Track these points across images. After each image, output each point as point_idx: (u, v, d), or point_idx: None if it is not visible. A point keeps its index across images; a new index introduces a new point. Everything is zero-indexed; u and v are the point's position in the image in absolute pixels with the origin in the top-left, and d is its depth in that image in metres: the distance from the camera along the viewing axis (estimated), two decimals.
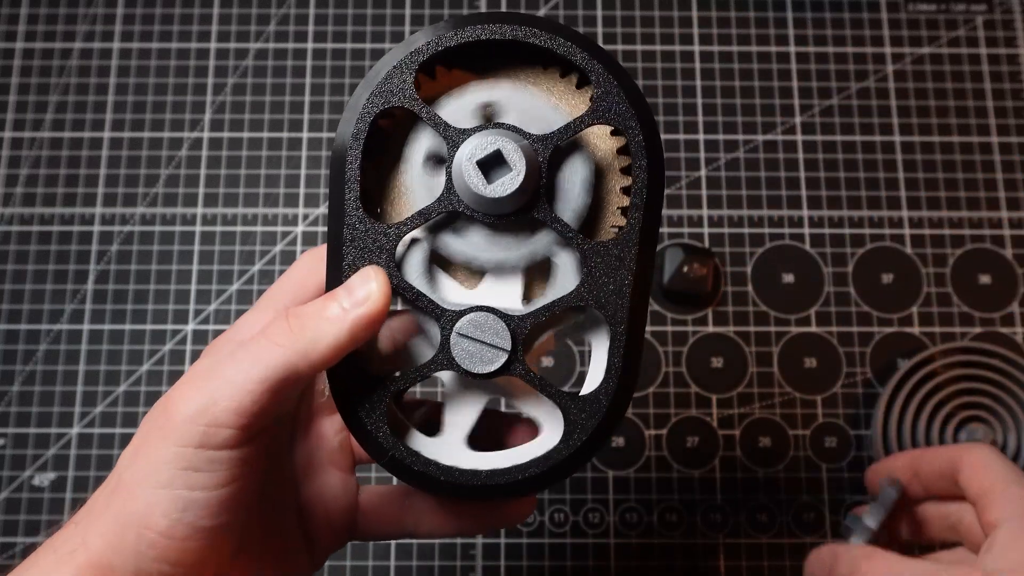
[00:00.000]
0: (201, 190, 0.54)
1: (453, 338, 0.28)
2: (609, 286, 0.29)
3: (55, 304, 0.52)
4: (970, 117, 0.55)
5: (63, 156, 0.54)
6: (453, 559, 0.48)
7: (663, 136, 0.55)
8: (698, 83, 0.56)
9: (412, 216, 0.29)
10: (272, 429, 0.29)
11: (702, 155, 0.54)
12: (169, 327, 0.51)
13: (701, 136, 0.55)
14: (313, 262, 0.32)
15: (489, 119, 0.29)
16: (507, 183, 0.27)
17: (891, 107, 0.55)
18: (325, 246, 0.30)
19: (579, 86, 0.30)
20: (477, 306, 0.29)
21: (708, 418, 0.50)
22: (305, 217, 0.53)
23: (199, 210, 0.53)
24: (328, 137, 0.55)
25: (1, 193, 0.54)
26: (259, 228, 0.53)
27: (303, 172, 0.54)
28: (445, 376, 0.31)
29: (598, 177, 0.30)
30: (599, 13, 0.57)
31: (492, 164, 0.28)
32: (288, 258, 0.53)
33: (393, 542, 0.48)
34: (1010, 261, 0.53)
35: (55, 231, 0.53)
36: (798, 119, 0.55)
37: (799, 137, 0.55)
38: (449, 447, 0.30)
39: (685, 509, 0.49)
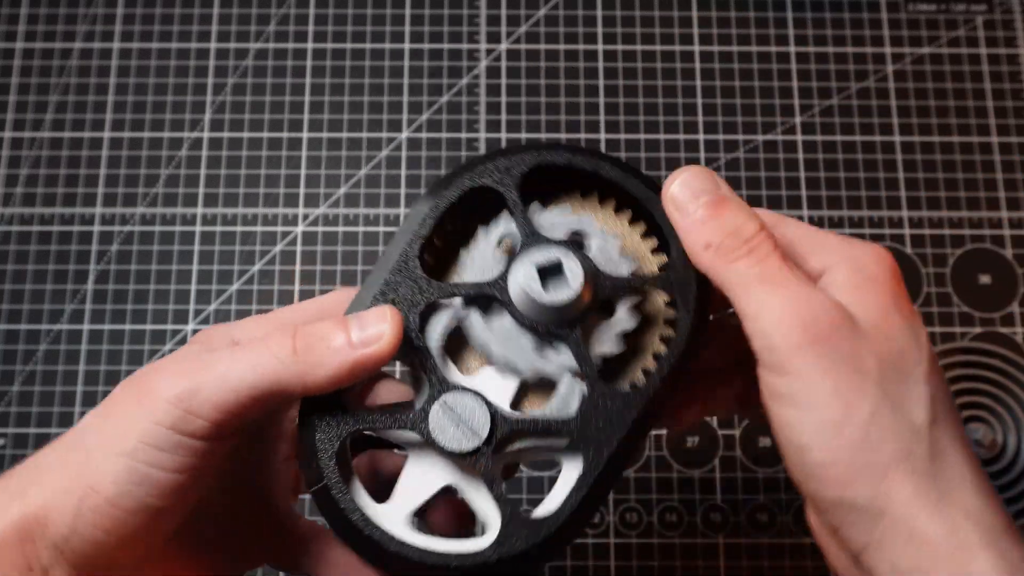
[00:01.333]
0: (201, 190, 0.54)
1: (436, 406, 0.29)
2: (601, 436, 0.29)
3: (55, 304, 0.52)
4: (970, 117, 0.55)
5: (63, 156, 0.54)
6: None
7: (663, 136, 0.55)
8: (698, 83, 0.56)
9: (463, 283, 0.30)
10: (245, 432, 0.29)
11: (702, 155, 0.54)
12: (169, 327, 0.51)
13: (701, 136, 0.55)
14: (343, 299, 0.31)
15: (573, 241, 0.31)
16: (555, 294, 0.28)
17: (891, 107, 0.55)
18: (359, 288, 0.30)
19: (626, 216, 0.32)
20: (472, 389, 0.29)
21: (708, 418, 0.50)
22: (305, 217, 0.53)
23: (199, 210, 0.53)
24: (328, 137, 0.55)
25: (1, 193, 0.54)
26: (259, 228, 0.53)
27: (303, 172, 0.54)
28: (410, 445, 0.31)
29: (642, 324, 0.31)
30: (599, 13, 0.57)
31: (551, 274, 0.29)
32: (288, 258, 0.53)
33: None
34: (1010, 261, 0.53)
35: (55, 231, 0.53)
36: (798, 119, 0.55)
37: (799, 137, 0.55)
38: (389, 513, 0.29)
39: (685, 509, 0.49)
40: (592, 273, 0.29)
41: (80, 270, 0.52)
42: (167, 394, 0.26)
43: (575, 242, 0.30)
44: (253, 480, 0.32)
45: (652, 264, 0.31)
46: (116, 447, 0.26)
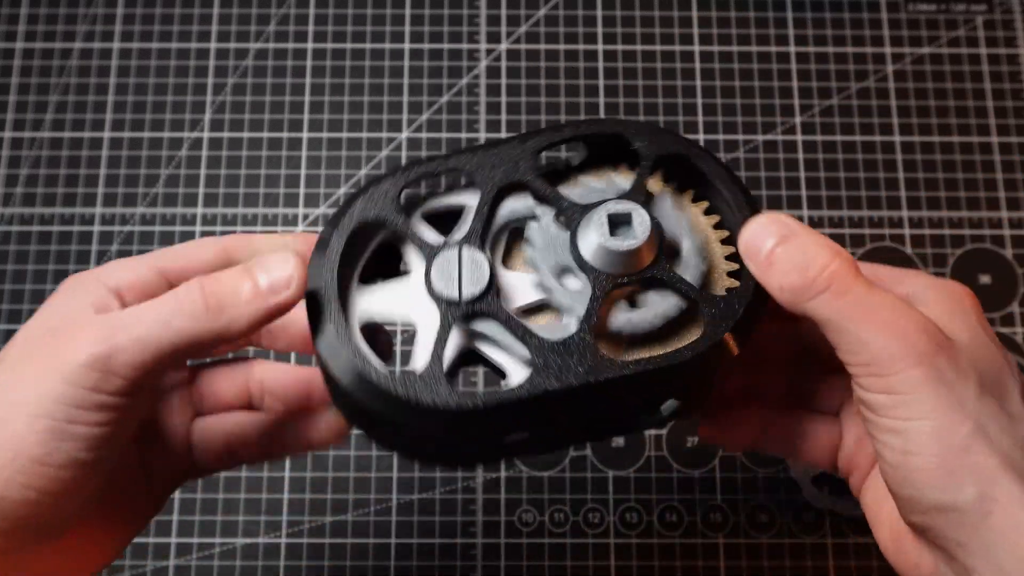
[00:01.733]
0: (201, 190, 0.54)
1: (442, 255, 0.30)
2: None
3: None
4: (970, 117, 0.55)
5: (63, 156, 0.54)
6: (453, 559, 0.48)
7: None
8: (698, 83, 0.56)
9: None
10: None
11: None
12: None
13: (701, 136, 0.55)
14: (212, 244, 0.32)
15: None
16: (624, 241, 0.29)
17: (891, 107, 0.55)
18: (230, 237, 0.32)
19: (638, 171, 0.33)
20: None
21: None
22: (305, 217, 0.53)
23: (199, 210, 0.53)
24: (328, 137, 0.55)
25: (1, 193, 0.54)
26: (259, 228, 0.53)
27: (303, 172, 0.54)
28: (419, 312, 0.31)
29: (705, 246, 0.31)
30: (599, 13, 0.57)
31: (619, 224, 0.30)
32: None
33: (393, 542, 0.48)
34: (1010, 261, 0.53)
35: (55, 231, 0.53)
36: (798, 119, 0.55)
37: (799, 137, 0.55)
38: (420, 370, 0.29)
39: (685, 509, 0.49)
40: (656, 225, 0.30)
41: (80, 270, 0.52)
42: (83, 358, 0.27)
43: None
44: (154, 419, 0.33)
45: (706, 227, 0.32)
46: (34, 409, 0.26)
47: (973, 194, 0.54)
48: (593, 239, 0.29)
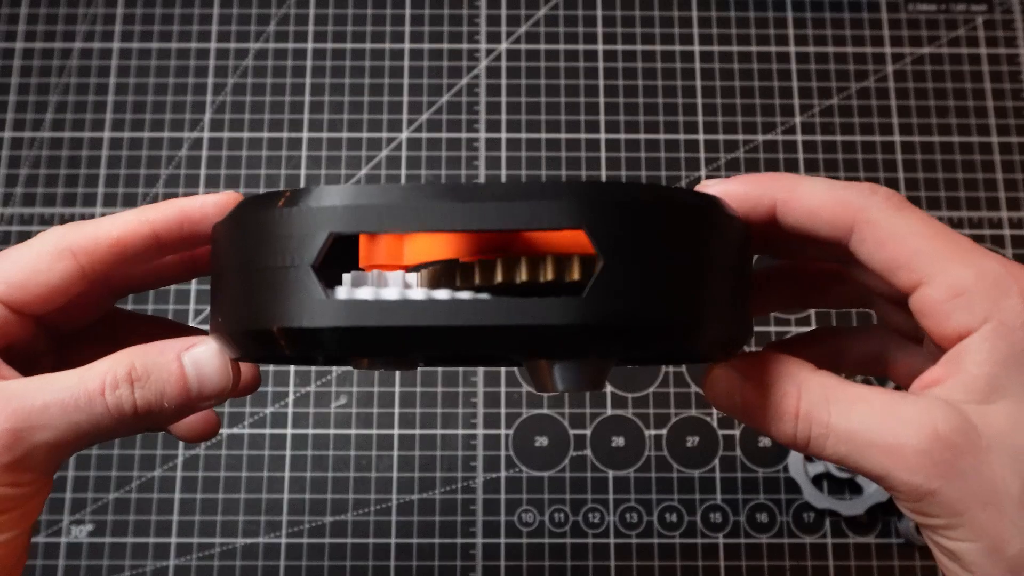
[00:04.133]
0: (201, 190, 0.54)
1: None
2: None
3: None
4: (970, 117, 0.55)
5: (63, 156, 0.54)
6: (453, 559, 0.48)
7: (663, 136, 0.55)
8: (698, 83, 0.56)
9: None
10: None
11: (702, 155, 0.54)
12: None
13: (701, 136, 0.55)
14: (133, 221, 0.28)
15: None
16: None
17: (891, 107, 0.55)
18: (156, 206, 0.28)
19: None
20: None
21: (708, 418, 0.50)
22: None
23: None
24: (328, 137, 0.55)
25: (1, 193, 0.54)
26: None
27: (303, 172, 0.54)
28: None
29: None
30: (599, 13, 0.57)
31: None
32: None
33: (393, 542, 0.48)
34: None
35: None
36: (798, 119, 0.55)
37: (799, 137, 0.55)
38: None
39: (685, 509, 0.49)
40: None
41: None
42: None
43: None
44: None
45: None
46: None
47: (973, 194, 0.54)
48: None
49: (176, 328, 0.34)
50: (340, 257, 0.26)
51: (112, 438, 0.27)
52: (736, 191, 0.26)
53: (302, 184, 0.54)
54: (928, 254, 0.24)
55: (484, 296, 0.23)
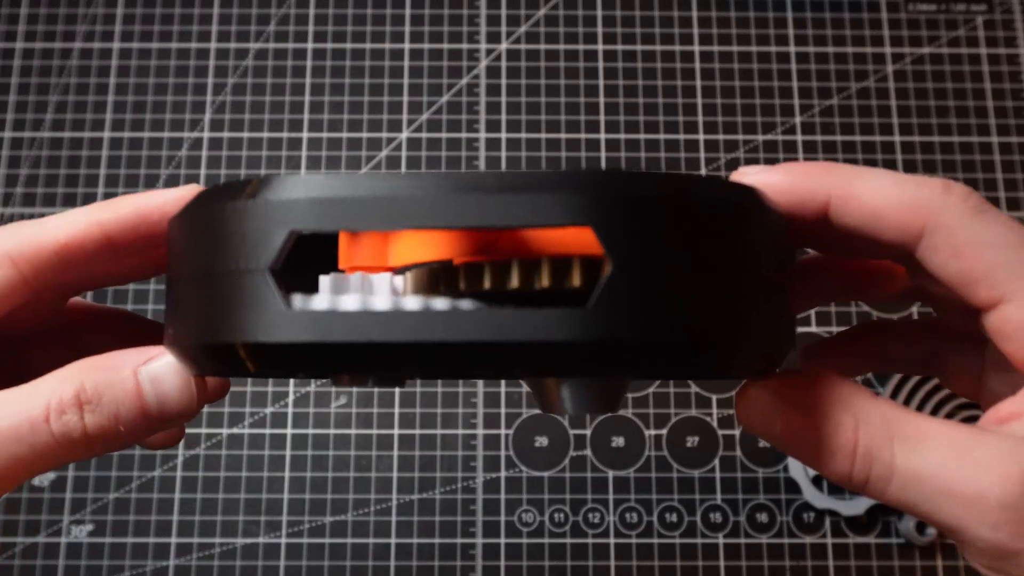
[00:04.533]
0: None
1: None
2: None
3: None
4: (970, 117, 0.55)
5: (63, 156, 0.54)
6: (453, 559, 0.48)
7: (663, 136, 0.55)
8: (698, 83, 0.56)
9: None
10: None
11: (702, 155, 0.54)
12: None
13: (701, 136, 0.55)
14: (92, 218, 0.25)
15: None
16: None
17: (891, 107, 0.55)
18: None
19: None
20: None
21: (708, 418, 0.50)
22: None
23: None
24: (328, 137, 0.55)
25: (1, 193, 0.54)
26: None
27: (303, 172, 0.54)
28: None
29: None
30: (599, 13, 0.57)
31: None
32: None
33: (393, 542, 0.48)
34: None
35: None
36: (798, 119, 0.55)
37: (799, 137, 0.55)
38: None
39: (685, 509, 0.49)
40: None
41: None
42: None
43: None
44: None
45: None
46: None
47: None
48: None
49: (140, 324, 0.31)
50: (316, 258, 0.23)
51: (63, 464, 0.24)
52: (781, 184, 0.22)
53: None
54: (1011, 268, 0.21)
55: (491, 307, 0.19)
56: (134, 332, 0.27)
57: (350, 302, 0.19)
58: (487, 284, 0.20)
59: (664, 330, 0.18)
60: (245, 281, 0.19)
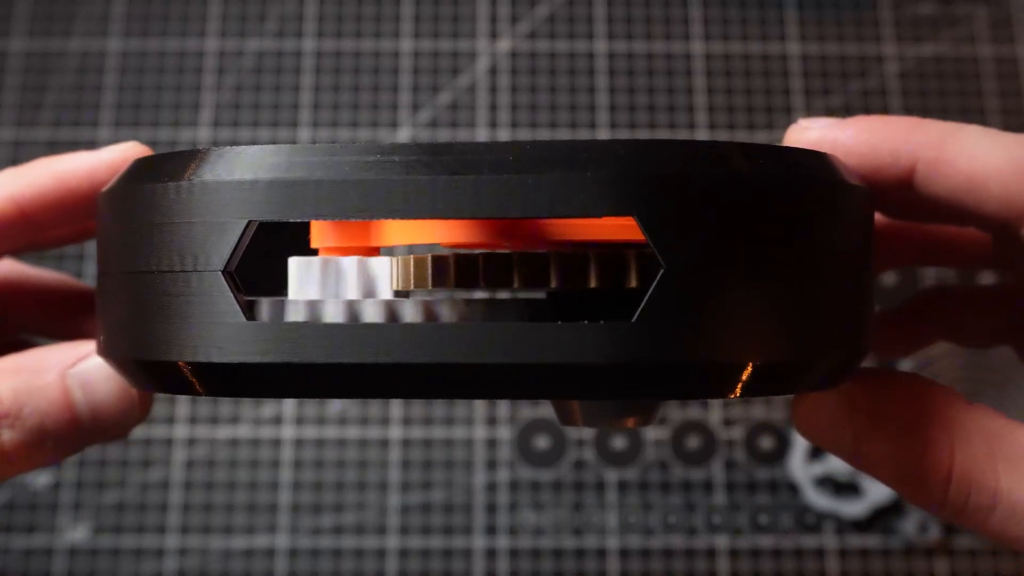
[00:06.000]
0: None
1: None
2: None
3: None
4: (970, 117, 0.55)
5: None
6: (453, 560, 0.48)
7: (663, 136, 0.55)
8: (698, 83, 0.56)
9: None
10: None
11: None
12: None
13: (701, 136, 0.55)
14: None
15: None
16: None
17: (891, 107, 0.55)
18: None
19: None
20: None
21: (708, 418, 0.50)
22: None
23: None
24: (328, 137, 0.55)
25: None
26: None
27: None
28: None
29: None
30: (600, 12, 0.57)
31: None
32: None
33: (393, 542, 0.48)
34: None
35: None
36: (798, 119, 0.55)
37: None
38: None
39: (685, 509, 0.49)
40: None
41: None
42: None
43: None
44: None
45: None
46: None
47: None
48: None
49: (85, 298, 0.25)
50: (279, 236, 0.19)
51: None
52: (858, 144, 0.17)
53: None
54: None
55: (510, 322, 0.16)
56: (76, 307, 0.23)
57: (332, 310, 0.15)
58: (494, 282, 0.16)
59: (727, 351, 0.15)
60: (192, 284, 0.15)
